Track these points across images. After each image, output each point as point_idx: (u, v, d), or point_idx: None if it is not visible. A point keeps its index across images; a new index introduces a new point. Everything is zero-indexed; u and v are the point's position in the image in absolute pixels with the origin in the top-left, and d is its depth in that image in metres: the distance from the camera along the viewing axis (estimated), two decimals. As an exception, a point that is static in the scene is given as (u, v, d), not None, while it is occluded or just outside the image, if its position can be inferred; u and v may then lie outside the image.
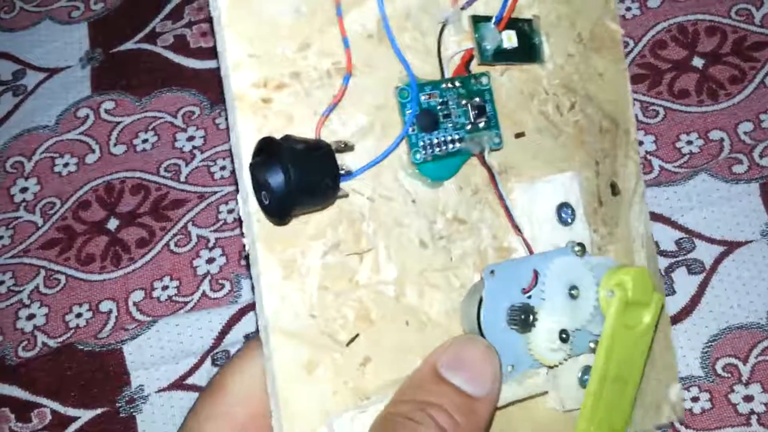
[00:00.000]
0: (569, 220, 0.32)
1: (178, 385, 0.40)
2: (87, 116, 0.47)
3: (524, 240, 0.31)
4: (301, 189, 0.27)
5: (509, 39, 0.32)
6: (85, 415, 0.40)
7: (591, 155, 0.35)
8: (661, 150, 0.43)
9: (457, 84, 0.31)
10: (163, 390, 0.40)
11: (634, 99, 0.43)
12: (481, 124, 0.31)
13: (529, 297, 0.29)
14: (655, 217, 0.41)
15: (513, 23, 0.33)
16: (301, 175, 0.26)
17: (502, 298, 0.29)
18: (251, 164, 0.28)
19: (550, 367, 0.30)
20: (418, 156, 0.30)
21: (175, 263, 0.43)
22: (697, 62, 0.45)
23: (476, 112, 0.31)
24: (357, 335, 0.28)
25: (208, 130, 0.46)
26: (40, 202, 0.45)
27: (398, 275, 0.29)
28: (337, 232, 0.29)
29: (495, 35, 0.32)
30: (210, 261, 0.43)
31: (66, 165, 0.46)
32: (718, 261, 0.40)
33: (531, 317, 0.29)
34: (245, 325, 0.41)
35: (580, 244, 0.32)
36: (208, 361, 0.41)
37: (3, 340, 0.42)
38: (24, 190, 0.46)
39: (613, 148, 0.35)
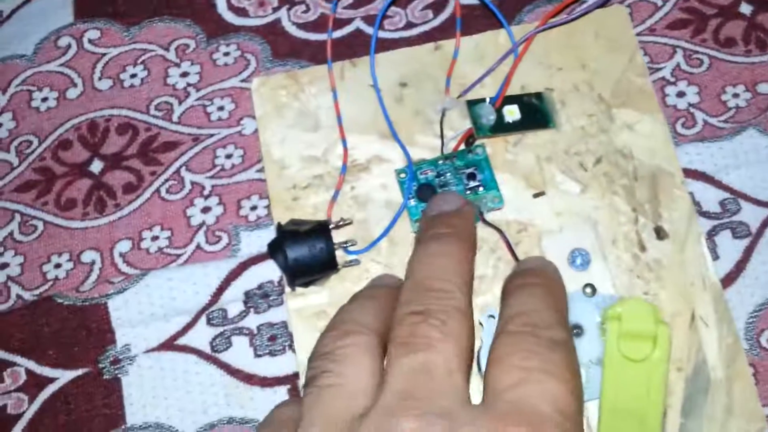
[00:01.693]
0: (582, 265, 0.35)
1: (169, 345, 0.36)
2: (69, 46, 0.42)
3: None
4: (298, 263, 0.33)
5: (510, 113, 0.37)
6: (64, 375, 0.36)
7: (627, 203, 0.36)
8: (706, 102, 0.39)
9: (453, 158, 0.36)
10: (152, 350, 0.36)
11: (676, 45, 0.39)
12: (479, 189, 0.36)
13: None
14: (698, 175, 0.38)
15: (517, 98, 0.37)
16: (296, 253, 0.33)
17: None
18: (268, 244, 0.35)
19: None
20: (417, 224, 0.35)
21: (166, 211, 0.39)
22: (745, 8, 0.41)
23: (470, 178, 0.36)
24: None
25: (204, 66, 0.41)
26: (15, 139, 0.41)
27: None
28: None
29: (490, 112, 0.37)
30: (205, 210, 0.39)
31: (45, 99, 0.41)
32: (765, 224, 0.37)
33: None
34: (245, 281, 0.37)
35: (590, 285, 0.34)
36: (203, 319, 0.37)
37: (-28, 291, 0.38)
38: (-3, 125, 0.41)
39: (654, 194, 0.36)
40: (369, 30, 0.42)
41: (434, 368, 0.24)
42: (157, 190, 0.39)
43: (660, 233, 0.36)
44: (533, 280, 0.30)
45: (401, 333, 0.25)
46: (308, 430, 0.24)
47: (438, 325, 0.25)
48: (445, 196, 0.33)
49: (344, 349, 0.26)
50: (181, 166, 0.39)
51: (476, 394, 0.26)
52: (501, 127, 0.37)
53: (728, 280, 0.36)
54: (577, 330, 0.33)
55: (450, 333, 0.25)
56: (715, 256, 0.36)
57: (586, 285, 0.34)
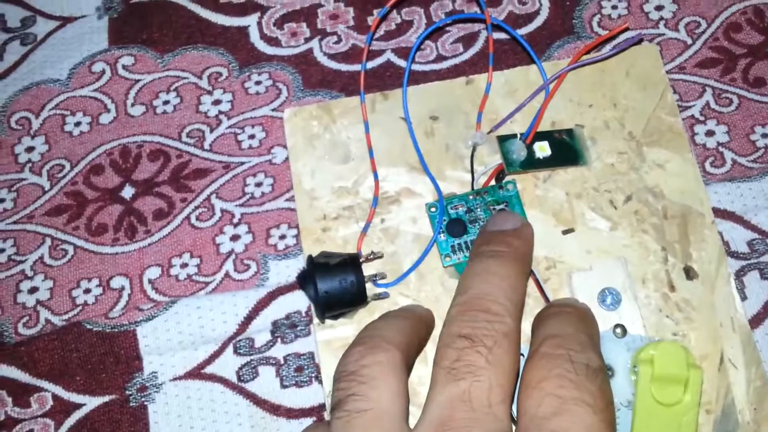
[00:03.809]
0: (613, 305, 0.34)
1: (196, 374, 0.37)
2: (103, 71, 0.43)
3: None
4: (329, 296, 0.33)
5: (541, 149, 0.37)
6: (91, 402, 0.36)
7: (656, 242, 0.36)
8: (735, 142, 0.39)
9: (484, 194, 0.37)
10: (179, 378, 0.36)
11: (705, 84, 0.40)
12: None
13: None
14: (727, 215, 0.38)
15: (547, 135, 0.38)
16: (327, 286, 0.33)
17: None
18: (297, 276, 0.36)
19: None
20: (447, 260, 0.36)
21: (196, 239, 0.39)
22: (775, 49, 0.41)
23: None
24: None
25: (236, 95, 0.42)
26: (48, 163, 0.41)
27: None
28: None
29: (521, 148, 0.37)
30: (234, 238, 0.39)
31: (78, 124, 0.42)
32: (795, 266, 0.37)
33: None
34: (273, 311, 0.37)
35: (620, 326, 0.34)
36: (230, 348, 0.37)
37: (1, 314, 0.38)
38: (30, 149, 0.41)
39: (684, 233, 0.36)
40: (399, 62, 0.42)
41: (476, 398, 0.24)
42: (188, 217, 0.39)
43: (689, 273, 0.36)
44: (567, 309, 0.30)
45: (447, 357, 0.25)
46: None
47: (485, 353, 0.25)
48: (506, 215, 0.33)
49: (370, 369, 0.26)
50: (211, 194, 0.40)
51: None
52: (531, 163, 0.37)
53: (756, 320, 0.36)
54: (608, 371, 0.33)
55: (496, 362, 0.25)
56: (743, 297, 0.36)
57: (617, 326, 0.34)
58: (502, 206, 0.36)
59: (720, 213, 0.38)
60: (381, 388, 0.26)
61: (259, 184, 0.40)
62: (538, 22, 0.42)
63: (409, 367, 0.27)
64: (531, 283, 0.35)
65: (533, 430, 0.24)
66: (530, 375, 0.25)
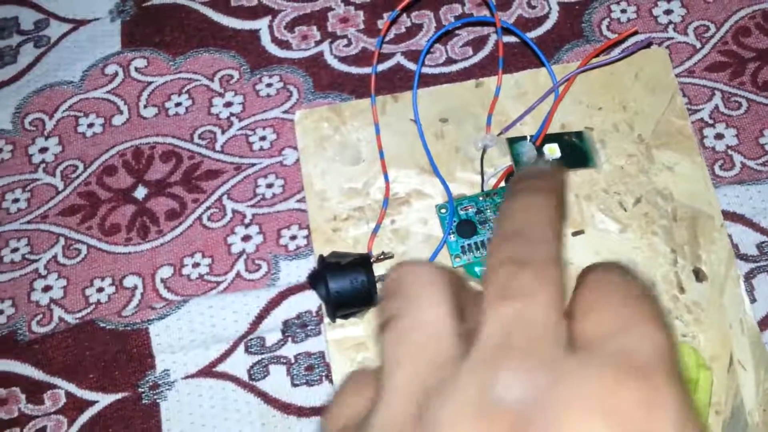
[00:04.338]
0: None
1: (208, 372, 0.37)
2: (116, 74, 0.43)
3: None
4: (340, 296, 0.34)
5: (551, 151, 0.38)
6: (104, 399, 0.37)
7: (665, 244, 0.36)
8: (744, 145, 0.40)
9: (494, 195, 0.37)
10: (191, 376, 0.37)
11: (714, 88, 0.40)
12: None
13: None
14: (736, 218, 0.38)
15: (557, 137, 0.38)
16: (338, 286, 0.34)
17: None
18: (308, 276, 0.36)
19: None
20: (457, 260, 0.36)
21: (207, 239, 0.39)
22: (783, 53, 0.41)
23: None
24: None
25: (247, 97, 0.42)
26: (61, 164, 0.41)
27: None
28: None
29: (530, 150, 0.37)
30: (246, 239, 0.39)
31: (91, 125, 0.42)
32: (803, 269, 0.37)
33: None
34: (283, 311, 0.37)
35: None
36: (241, 347, 0.37)
37: (15, 312, 0.38)
38: (44, 150, 0.42)
39: (693, 236, 0.36)
40: (409, 65, 0.42)
41: (534, 317, 0.24)
42: (199, 218, 0.40)
43: (699, 275, 0.36)
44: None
45: (497, 280, 0.24)
46: (395, 372, 0.23)
47: (535, 273, 0.24)
48: (537, 167, 0.33)
49: (420, 288, 0.25)
50: (222, 195, 0.40)
51: None
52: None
53: (765, 322, 0.36)
54: None
55: (547, 281, 0.24)
56: (753, 299, 0.36)
57: None
58: None
59: (729, 216, 0.38)
60: (434, 306, 0.25)
61: (270, 185, 0.40)
62: (547, 25, 0.43)
63: (457, 297, 0.27)
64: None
65: (600, 349, 0.23)
66: (585, 300, 0.25)
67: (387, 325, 0.25)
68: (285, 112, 0.42)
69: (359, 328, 0.36)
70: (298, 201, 0.40)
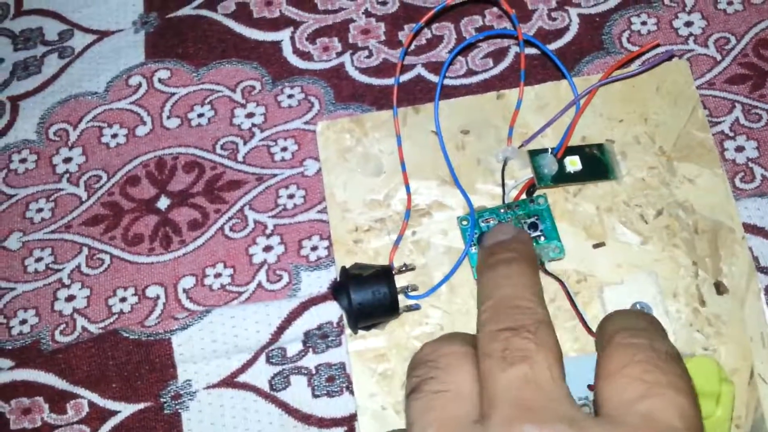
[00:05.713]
0: None
1: (229, 382, 0.37)
2: (139, 85, 0.44)
3: None
4: (362, 307, 0.34)
5: (572, 163, 0.37)
6: (126, 409, 0.37)
7: (687, 256, 0.36)
8: (764, 157, 0.39)
9: (515, 207, 0.37)
10: (213, 387, 0.37)
11: (735, 100, 0.40)
12: (541, 239, 0.36)
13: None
14: (757, 230, 0.38)
15: (578, 149, 0.38)
16: (360, 297, 0.34)
17: None
18: (330, 287, 0.37)
19: None
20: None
21: (229, 249, 0.40)
22: (805, 65, 0.41)
23: (531, 227, 0.36)
24: None
25: (269, 108, 0.42)
26: (85, 174, 0.42)
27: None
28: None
29: (552, 162, 0.37)
30: (267, 249, 0.39)
31: (114, 136, 0.43)
32: (826, 283, 0.37)
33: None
34: (305, 321, 0.38)
35: None
36: (263, 358, 0.37)
37: (39, 322, 0.39)
38: (67, 160, 0.42)
39: (714, 248, 0.36)
40: (429, 76, 0.42)
41: (539, 378, 0.24)
42: (221, 228, 0.40)
43: (720, 288, 0.36)
44: (633, 311, 0.30)
45: (496, 348, 0.25)
46: None
47: (531, 337, 0.25)
48: (500, 227, 0.33)
49: (447, 358, 0.26)
50: (244, 205, 0.40)
51: None
52: (562, 178, 0.37)
53: (788, 337, 0.36)
54: None
55: (543, 343, 0.25)
56: (776, 313, 0.36)
57: None
58: (533, 220, 0.37)
59: (750, 228, 0.38)
60: (459, 373, 0.26)
61: (291, 196, 0.40)
62: (567, 37, 0.43)
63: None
64: (562, 295, 0.36)
65: (622, 415, 0.24)
66: (610, 364, 0.25)
67: (416, 389, 0.26)
68: (306, 123, 0.42)
69: (380, 339, 0.36)
70: (319, 212, 0.40)
